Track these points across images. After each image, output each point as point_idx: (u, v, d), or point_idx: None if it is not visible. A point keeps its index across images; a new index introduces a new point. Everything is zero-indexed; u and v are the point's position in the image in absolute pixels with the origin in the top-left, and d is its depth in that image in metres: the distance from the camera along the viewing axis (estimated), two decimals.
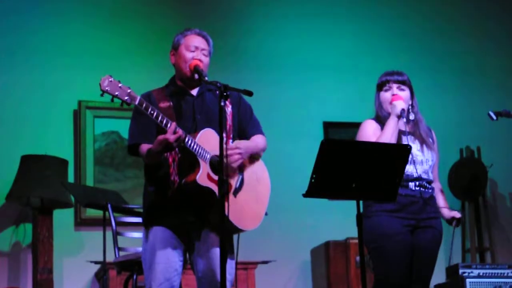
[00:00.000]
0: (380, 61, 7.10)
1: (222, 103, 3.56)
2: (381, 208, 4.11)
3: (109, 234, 5.24)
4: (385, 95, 4.31)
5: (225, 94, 3.56)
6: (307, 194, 3.69)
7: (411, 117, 4.26)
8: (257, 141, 3.97)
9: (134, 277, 4.85)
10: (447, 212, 4.35)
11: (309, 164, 3.74)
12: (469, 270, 6.24)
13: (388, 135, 4.15)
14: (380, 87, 4.34)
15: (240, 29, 6.99)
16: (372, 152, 3.74)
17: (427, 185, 4.25)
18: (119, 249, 5.10)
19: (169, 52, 3.96)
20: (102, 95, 3.54)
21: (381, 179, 3.76)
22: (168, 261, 3.74)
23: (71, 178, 6.18)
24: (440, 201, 4.38)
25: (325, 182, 3.68)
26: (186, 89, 3.90)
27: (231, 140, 3.88)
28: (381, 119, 4.30)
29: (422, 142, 4.28)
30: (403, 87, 4.31)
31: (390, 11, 7.36)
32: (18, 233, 6.16)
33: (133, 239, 5.31)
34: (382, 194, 3.83)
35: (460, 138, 7.22)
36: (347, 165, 3.69)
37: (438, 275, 6.63)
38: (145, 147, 3.75)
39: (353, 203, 3.85)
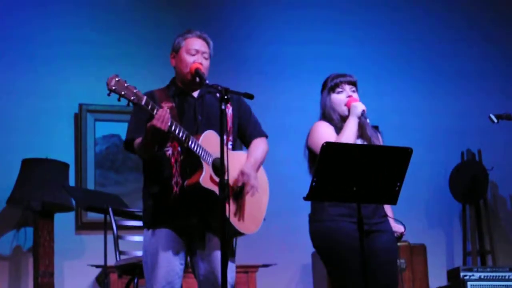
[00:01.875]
0: (380, 66, 7.12)
1: (223, 107, 3.56)
2: (336, 213, 4.01)
3: (110, 237, 5.23)
4: (339, 97, 4.20)
5: (225, 97, 3.57)
6: (308, 198, 3.68)
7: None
8: (258, 151, 3.95)
9: (135, 280, 4.84)
10: (392, 223, 4.19)
11: None
12: (470, 273, 6.24)
13: (351, 136, 4.05)
14: (332, 89, 4.22)
15: (241, 34, 6.98)
16: (373, 155, 3.73)
17: None
18: (120, 252, 5.09)
19: (170, 55, 3.97)
20: (109, 94, 3.55)
21: (382, 183, 3.75)
22: (170, 264, 3.74)
23: (72, 182, 6.18)
24: (387, 209, 4.21)
25: (326, 186, 3.67)
26: (187, 90, 3.91)
27: (230, 142, 3.88)
28: (333, 122, 4.18)
29: (369, 143, 4.17)
30: (354, 88, 4.24)
31: (390, 18, 7.36)
32: (19, 237, 6.15)
33: (134, 242, 5.30)
34: (383, 197, 3.82)
35: (461, 141, 7.22)
36: (348, 169, 3.67)
37: (439, 278, 6.64)
38: (138, 140, 3.76)
39: None
